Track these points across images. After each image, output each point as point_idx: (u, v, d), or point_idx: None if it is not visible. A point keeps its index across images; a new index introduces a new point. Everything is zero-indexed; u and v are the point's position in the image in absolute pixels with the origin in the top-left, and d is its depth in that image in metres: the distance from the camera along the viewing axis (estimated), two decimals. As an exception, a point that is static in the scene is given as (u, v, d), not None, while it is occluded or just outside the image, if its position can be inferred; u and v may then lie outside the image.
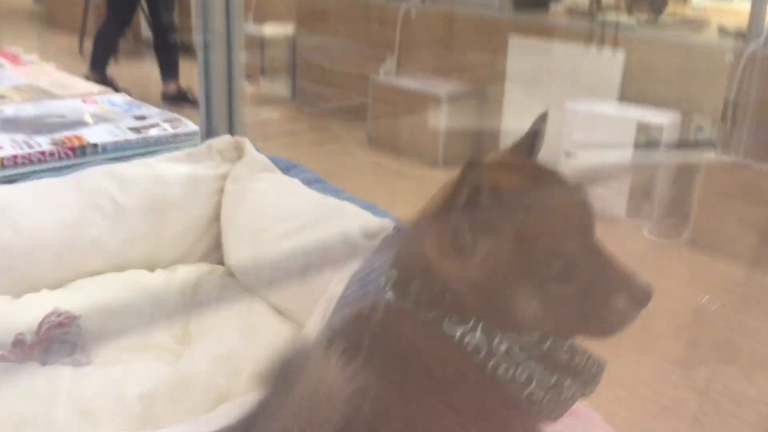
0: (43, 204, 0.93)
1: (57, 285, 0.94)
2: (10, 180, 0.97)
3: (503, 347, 0.54)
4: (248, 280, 0.97)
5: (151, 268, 1.02)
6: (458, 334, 0.54)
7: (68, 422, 0.71)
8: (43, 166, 1.02)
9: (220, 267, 1.03)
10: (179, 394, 0.76)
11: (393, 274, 0.57)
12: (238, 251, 1.00)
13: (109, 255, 0.97)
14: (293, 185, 0.95)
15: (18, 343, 0.81)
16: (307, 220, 0.89)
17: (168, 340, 0.90)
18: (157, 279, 0.99)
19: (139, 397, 0.75)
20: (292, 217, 0.91)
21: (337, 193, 0.94)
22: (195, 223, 1.03)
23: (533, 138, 0.61)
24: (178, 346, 0.90)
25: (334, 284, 0.75)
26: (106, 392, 0.75)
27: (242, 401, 0.70)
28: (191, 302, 0.97)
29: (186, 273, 1.00)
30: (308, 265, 0.88)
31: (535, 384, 0.55)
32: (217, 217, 1.05)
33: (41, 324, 0.83)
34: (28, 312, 0.87)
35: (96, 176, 0.97)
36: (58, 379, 0.76)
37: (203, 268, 1.02)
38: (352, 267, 0.75)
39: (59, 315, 0.84)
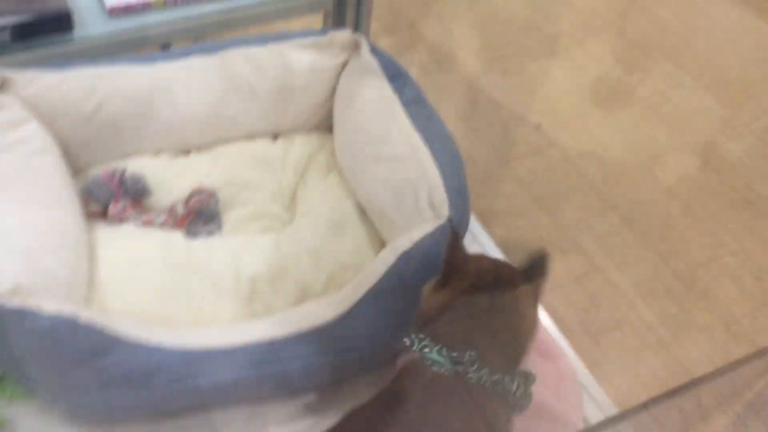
0: (193, 84, 1.16)
1: (202, 149, 1.22)
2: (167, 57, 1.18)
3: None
4: (346, 177, 1.21)
5: (274, 137, 1.27)
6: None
7: (202, 293, 1.04)
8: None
9: (330, 143, 1.26)
10: (276, 280, 1.06)
11: None
12: (340, 152, 1.22)
13: (242, 128, 1.23)
14: (392, 106, 1.11)
15: (172, 212, 1.12)
16: (391, 156, 1.08)
17: (279, 209, 1.18)
18: (278, 148, 1.24)
19: (249, 278, 1.06)
20: (384, 147, 1.10)
21: (426, 121, 1.10)
22: (314, 102, 1.24)
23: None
24: (286, 214, 1.18)
25: (399, 239, 0.98)
26: (228, 269, 1.06)
27: (315, 305, 0.99)
28: (301, 172, 1.22)
29: (301, 144, 1.25)
30: (385, 202, 1.10)
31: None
32: (332, 96, 1.24)
33: (189, 197, 1.12)
34: (182, 177, 1.16)
35: (236, 60, 1.17)
36: (197, 252, 1.08)
37: (314, 142, 1.26)
38: (415, 231, 0.97)
39: (201, 192, 1.12)
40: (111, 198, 1.09)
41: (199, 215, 1.11)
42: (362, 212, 1.16)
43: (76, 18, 1.25)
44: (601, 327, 1.64)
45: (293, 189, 1.20)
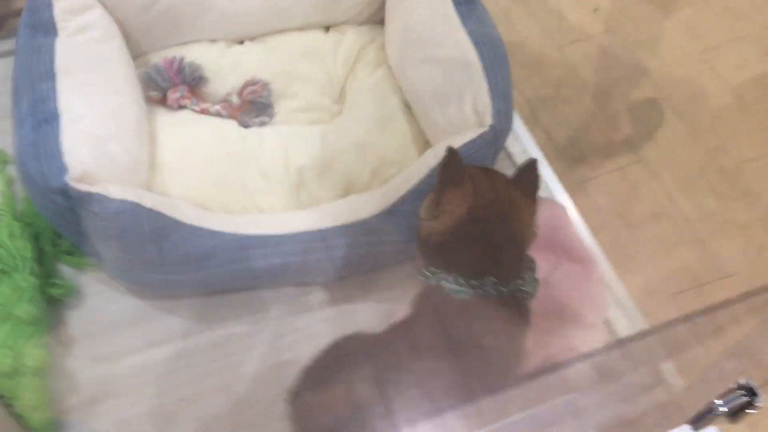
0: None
1: (256, 40, 1.25)
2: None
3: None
4: (394, 73, 1.22)
5: (326, 29, 1.28)
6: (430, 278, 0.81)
7: (254, 182, 1.10)
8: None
9: (381, 36, 1.27)
10: (323, 172, 1.12)
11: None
12: (390, 48, 1.23)
13: (295, 19, 1.24)
14: (444, 6, 1.11)
15: (226, 102, 1.16)
16: (439, 57, 1.09)
17: (328, 101, 1.22)
18: (329, 40, 1.26)
19: (298, 169, 1.11)
20: (432, 48, 1.11)
21: (477, 23, 1.10)
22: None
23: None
24: (334, 106, 1.22)
25: (441, 144, 1.01)
26: (278, 159, 1.12)
27: (359, 199, 1.05)
28: (351, 65, 1.25)
29: (352, 37, 1.26)
30: (430, 103, 1.12)
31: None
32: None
33: (243, 88, 1.16)
34: (236, 67, 1.20)
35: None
36: (250, 141, 1.13)
37: (365, 35, 1.27)
38: (457, 137, 1.01)
39: (255, 83, 1.16)
40: (170, 85, 1.14)
41: (252, 106, 1.16)
42: (408, 109, 1.19)
43: None
44: (638, 219, 1.67)
45: (342, 82, 1.23)
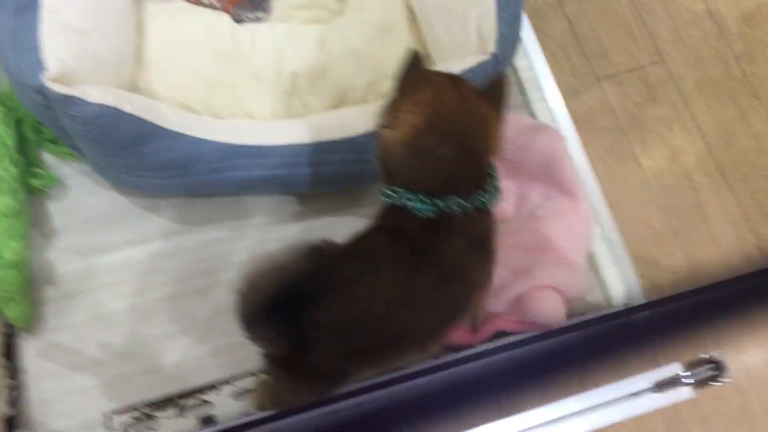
0: None
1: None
2: None
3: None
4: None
5: None
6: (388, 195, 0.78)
7: (244, 84, 1.06)
8: None
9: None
10: (317, 78, 1.07)
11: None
12: None
13: None
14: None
15: (220, -6, 1.09)
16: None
17: None
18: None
19: (291, 73, 1.07)
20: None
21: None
22: None
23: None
24: (335, 3, 1.15)
25: (439, 67, 0.96)
26: (270, 61, 1.07)
27: (350, 114, 1.02)
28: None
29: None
30: (435, 17, 1.04)
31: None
32: None
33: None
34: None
35: None
36: (242, 39, 1.08)
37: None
38: (456, 62, 0.95)
39: (251, -24, 1.09)
40: (161, -29, 1.07)
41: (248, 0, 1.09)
42: (412, 18, 1.12)
43: None
44: (651, 124, 1.62)
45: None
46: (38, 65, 0.86)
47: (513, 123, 1.10)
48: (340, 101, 1.07)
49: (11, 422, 0.93)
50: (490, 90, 0.78)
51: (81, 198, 1.06)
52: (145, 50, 1.05)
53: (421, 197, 0.75)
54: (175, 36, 1.06)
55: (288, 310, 0.73)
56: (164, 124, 0.92)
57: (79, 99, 0.86)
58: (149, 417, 0.97)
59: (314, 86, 1.07)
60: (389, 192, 0.77)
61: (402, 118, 0.75)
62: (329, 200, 1.08)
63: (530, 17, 1.72)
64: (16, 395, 0.95)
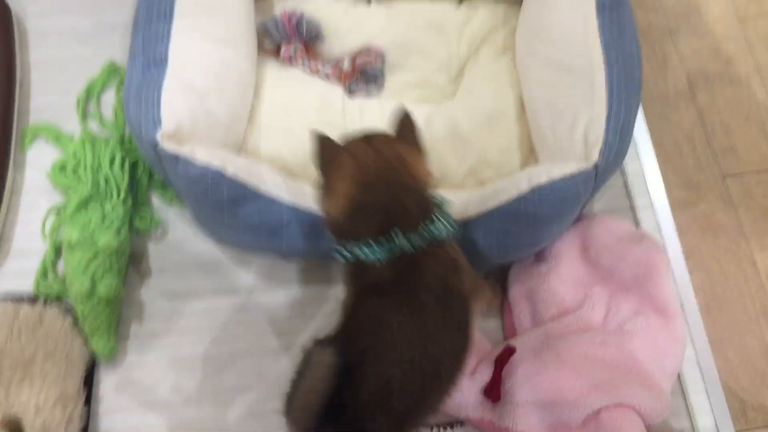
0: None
1: (382, 1, 1.18)
2: None
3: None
4: (517, 65, 1.13)
5: (459, 1, 1.19)
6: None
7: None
8: None
9: (515, 19, 1.17)
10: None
11: None
12: (519, 36, 1.13)
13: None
14: (585, 8, 1.00)
15: (338, 66, 1.13)
16: (564, 65, 1.00)
17: (443, 80, 1.15)
18: (459, 15, 1.18)
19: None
20: (559, 50, 1.01)
21: (617, 35, 0.99)
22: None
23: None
24: (449, 86, 1.16)
25: (540, 168, 0.95)
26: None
27: (445, 195, 1.02)
28: (476, 46, 1.17)
29: (485, 15, 1.17)
30: (543, 112, 1.03)
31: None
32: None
33: (356, 55, 1.12)
34: (356, 28, 1.15)
35: None
36: (351, 111, 1.11)
37: (500, 15, 1.17)
38: (557, 166, 0.93)
39: (370, 52, 1.12)
40: (285, 39, 1.12)
41: (363, 74, 1.12)
42: (522, 110, 1.11)
43: None
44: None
45: (463, 63, 1.16)
46: (156, 121, 0.92)
47: (612, 228, 1.07)
48: (438, 182, 1.08)
49: (78, 450, 0.97)
50: (400, 130, 0.86)
51: (179, 243, 1.11)
52: (258, 112, 1.09)
53: (367, 242, 0.80)
54: (288, 102, 1.10)
55: (332, 410, 0.75)
56: (262, 188, 0.96)
57: (187, 159, 0.90)
58: (206, 467, 1.00)
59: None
60: (341, 249, 0.82)
61: (335, 192, 0.82)
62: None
63: (659, 105, 1.67)
64: (86, 423, 1.00)
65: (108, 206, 1.04)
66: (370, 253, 0.80)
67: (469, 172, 1.07)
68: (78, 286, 1.00)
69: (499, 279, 1.10)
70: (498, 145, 1.09)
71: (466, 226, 0.97)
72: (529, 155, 1.09)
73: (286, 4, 1.17)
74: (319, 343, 0.80)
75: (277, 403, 1.01)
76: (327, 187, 0.83)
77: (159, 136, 0.90)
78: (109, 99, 1.20)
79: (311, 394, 0.76)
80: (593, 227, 1.07)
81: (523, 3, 1.15)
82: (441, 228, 0.81)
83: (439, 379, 0.80)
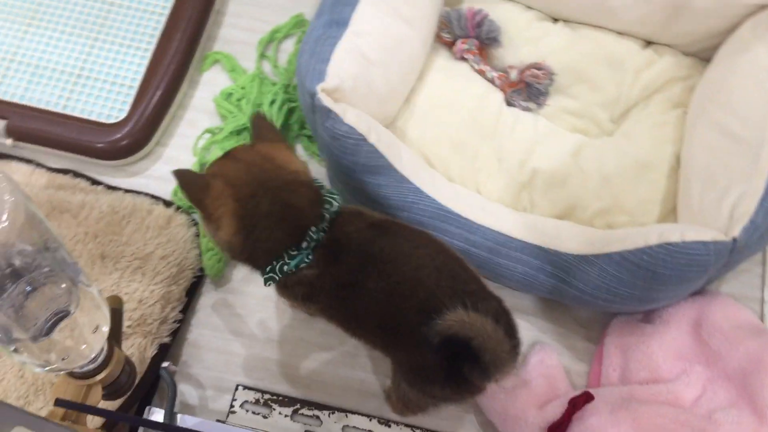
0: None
1: (569, 23, 1.18)
2: None
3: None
4: (686, 122, 1.09)
5: (645, 44, 1.16)
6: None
7: (487, 160, 1.08)
8: None
9: (698, 75, 1.13)
10: (555, 184, 1.07)
11: None
12: (696, 96, 1.09)
13: (619, 22, 1.15)
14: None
15: (505, 74, 1.13)
16: (731, 133, 0.95)
17: (605, 117, 1.13)
18: (642, 58, 1.15)
19: (533, 169, 1.07)
20: (731, 116, 0.97)
21: None
22: (709, 28, 1.10)
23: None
24: (608, 125, 1.13)
25: (675, 226, 0.91)
26: (519, 150, 1.09)
27: (569, 230, 1.00)
28: (650, 92, 1.13)
29: (669, 64, 1.13)
30: (695, 173, 0.99)
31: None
32: (730, 32, 1.09)
33: (526, 68, 1.12)
34: (534, 43, 1.15)
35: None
36: (504, 120, 1.11)
37: (684, 68, 1.13)
38: (692, 230, 0.90)
39: (540, 69, 1.11)
40: (463, 35, 1.14)
41: (527, 88, 1.12)
42: (676, 164, 1.07)
43: None
44: None
45: (631, 105, 1.14)
46: (321, 74, 0.97)
47: (732, 312, 1.02)
48: (565, 214, 1.06)
49: (163, 350, 1.05)
50: (258, 133, 0.84)
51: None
52: (416, 94, 1.12)
53: (288, 253, 0.79)
54: (447, 93, 1.12)
55: None
56: (397, 165, 0.99)
57: (336, 115, 0.95)
58: (267, 405, 1.04)
59: (549, 189, 1.07)
60: (267, 275, 0.81)
61: (221, 220, 0.78)
62: (519, 298, 1.08)
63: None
64: (177, 328, 1.07)
65: (256, 142, 1.11)
66: (294, 262, 0.79)
67: (601, 213, 1.05)
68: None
69: (594, 327, 1.07)
70: (640, 194, 1.05)
71: (583, 261, 0.96)
72: (669, 213, 1.05)
73: (475, 2, 1.18)
74: None
75: (347, 371, 1.05)
76: (210, 220, 0.79)
77: (319, 88, 0.95)
78: (288, 47, 1.27)
79: None
80: (713, 305, 1.02)
81: (711, 62, 1.11)
82: (335, 202, 0.82)
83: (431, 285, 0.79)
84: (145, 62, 1.21)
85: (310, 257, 0.80)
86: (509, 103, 1.14)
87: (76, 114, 1.18)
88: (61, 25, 1.25)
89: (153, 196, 1.14)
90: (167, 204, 1.13)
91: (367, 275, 0.79)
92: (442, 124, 1.10)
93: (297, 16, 1.27)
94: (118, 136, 1.15)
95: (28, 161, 1.18)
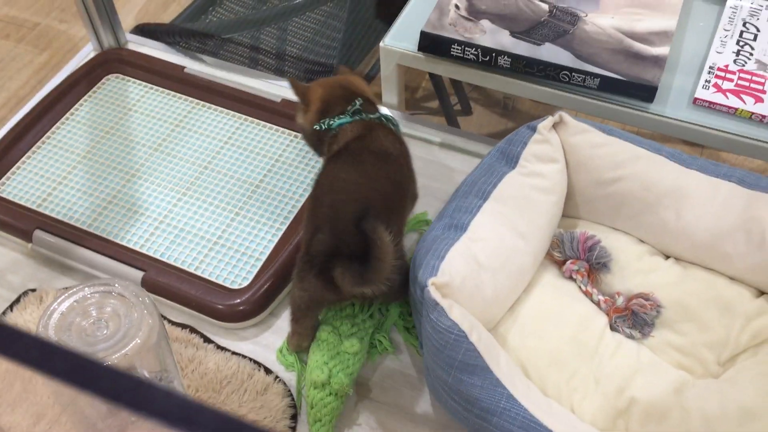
0: (709, 205, 1.16)
1: (680, 261, 1.21)
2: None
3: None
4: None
5: (759, 293, 1.17)
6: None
7: (584, 381, 1.08)
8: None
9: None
10: (650, 420, 1.04)
11: None
12: None
13: (733, 269, 1.17)
14: None
15: (611, 299, 1.16)
16: None
17: (711, 359, 1.11)
18: (753, 305, 1.14)
19: (630, 398, 1.05)
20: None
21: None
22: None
23: None
24: (714, 367, 1.11)
25: None
26: (618, 375, 1.08)
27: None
28: (762, 341, 1.11)
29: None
30: None
31: None
32: None
33: (634, 296, 1.15)
34: (643, 276, 1.18)
35: (764, 205, 1.11)
36: (606, 344, 1.11)
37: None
38: None
39: (648, 299, 1.14)
40: (573, 256, 1.19)
41: (633, 316, 1.14)
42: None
43: (660, 94, 1.33)
44: None
45: (740, 350, 1.12)
46: (434, 269, 1.04)
47: None
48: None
49: None
50: (341, 70, 1.25)
51: (396, 385, 1.18)
52: (520, 305, 1.16)
53: (339, 115, 1.16)
54: (551, 308, 1.15)
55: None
56: (494, 368, 1.00)
57: (442, 308, 0.99)
58: None
59: (647, 421, 1.04)
60: (318, 126, 1.17)
61: (310, 101, 1.19)
62: None
63: None
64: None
65: (359, 318, 1.17)
66: (342, 121, 1.14)
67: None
68: (316, 375, 1.11)
69: None
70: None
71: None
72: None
73: (589, 228, 1.24)
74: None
75: None
76: (306, 104, 1.19)
77: (430, 282, 1.01)
78: (408, 241, 1.36)
79: None
80: None
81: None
82: (386, 117, 1.16)
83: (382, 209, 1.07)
84: (276, 239, 1.33)
85: (349, 121, 1.14)
86: (613, 328, 1.15)
87: (206, 276, 1.29)
88: (210, 197, 1.41)
89: (256, 362, 1.19)
90: (268, 372, 1.18)
91: (359, 162, 1.10)
92: (543, 338, 1.12)
93: (421, 215, 1.37)
94: (238, 300, 1.24)
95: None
